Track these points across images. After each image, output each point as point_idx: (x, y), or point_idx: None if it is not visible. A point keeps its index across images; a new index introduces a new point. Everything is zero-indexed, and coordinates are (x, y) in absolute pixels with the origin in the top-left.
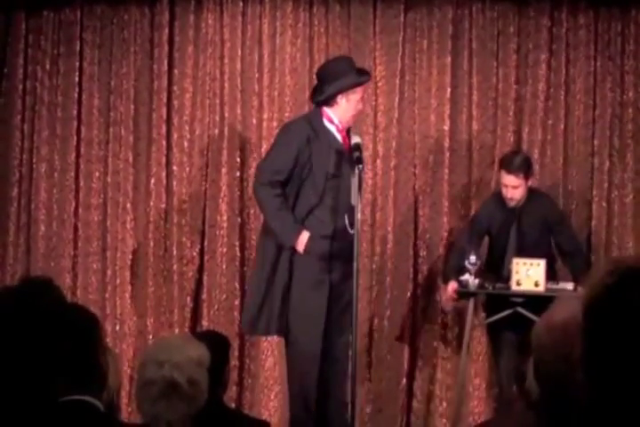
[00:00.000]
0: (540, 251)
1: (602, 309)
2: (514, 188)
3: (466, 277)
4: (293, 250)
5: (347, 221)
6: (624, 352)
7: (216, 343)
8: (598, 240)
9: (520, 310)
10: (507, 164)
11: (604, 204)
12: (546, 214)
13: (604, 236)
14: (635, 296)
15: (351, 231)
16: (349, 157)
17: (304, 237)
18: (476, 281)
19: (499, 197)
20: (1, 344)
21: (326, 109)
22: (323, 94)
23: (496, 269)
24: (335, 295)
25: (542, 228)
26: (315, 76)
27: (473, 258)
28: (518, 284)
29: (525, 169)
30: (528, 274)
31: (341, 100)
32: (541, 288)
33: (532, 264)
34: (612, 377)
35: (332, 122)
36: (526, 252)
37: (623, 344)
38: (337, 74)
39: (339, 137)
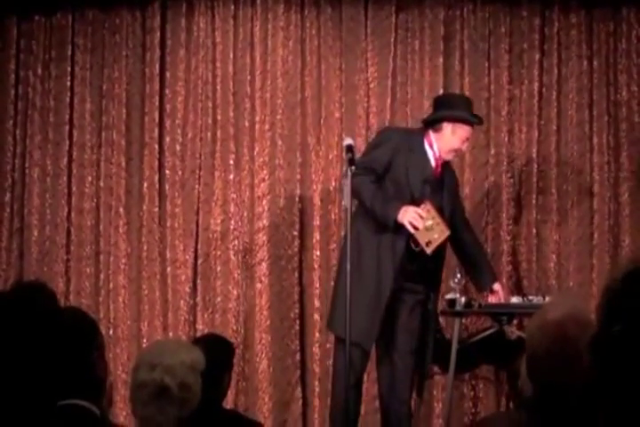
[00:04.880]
0: None
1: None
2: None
3: (451, 295)
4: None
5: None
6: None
7: (217, 347)
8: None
9: (506, 328)
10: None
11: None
12: None
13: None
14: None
15: (427, 251)
16: (433, 187)
17: (407, 208)
18: (463, 299)
19: None
20: None
21: (431, 133)
22: (432, 116)
23: None
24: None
25: None
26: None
27: (458, 276)
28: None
29: None
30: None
31: (447, 129)
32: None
33: None
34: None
35: (431, 146)
36: None
37: None
38: (453, 104)
39: (432, 163)
